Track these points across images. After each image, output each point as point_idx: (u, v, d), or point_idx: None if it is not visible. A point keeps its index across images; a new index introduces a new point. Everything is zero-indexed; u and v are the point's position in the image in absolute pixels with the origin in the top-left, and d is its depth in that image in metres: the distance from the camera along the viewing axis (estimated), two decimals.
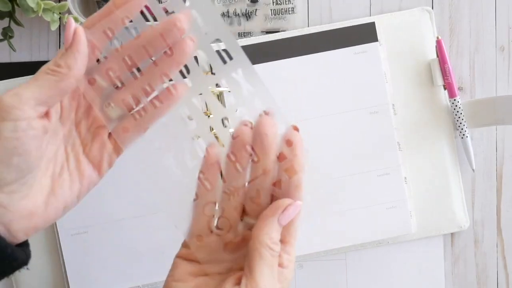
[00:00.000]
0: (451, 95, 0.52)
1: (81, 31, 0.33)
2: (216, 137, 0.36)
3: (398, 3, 0.54)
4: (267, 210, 0.34)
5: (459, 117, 0.52)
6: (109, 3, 0.34)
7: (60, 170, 0.35)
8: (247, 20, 0.53)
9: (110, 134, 0.36)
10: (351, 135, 0.51)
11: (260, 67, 0.51)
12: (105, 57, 0.35)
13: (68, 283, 0.50)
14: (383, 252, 0.53)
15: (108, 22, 0.34)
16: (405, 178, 0.52)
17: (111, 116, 0.36)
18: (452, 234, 0.54)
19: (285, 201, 0.34)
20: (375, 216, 0.51)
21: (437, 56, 0.52)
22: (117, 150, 0.37)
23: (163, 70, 0.35)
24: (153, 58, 0.35)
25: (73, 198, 0.35)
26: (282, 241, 0.34)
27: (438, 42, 0.52)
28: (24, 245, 0.34)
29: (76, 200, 0.35)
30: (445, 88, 0.53)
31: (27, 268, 0.34)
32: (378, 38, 0.52)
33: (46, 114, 0.33)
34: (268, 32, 0.53)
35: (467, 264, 0.54)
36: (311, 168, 0.35)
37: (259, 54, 0.51)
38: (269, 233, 0.33)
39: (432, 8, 0.54)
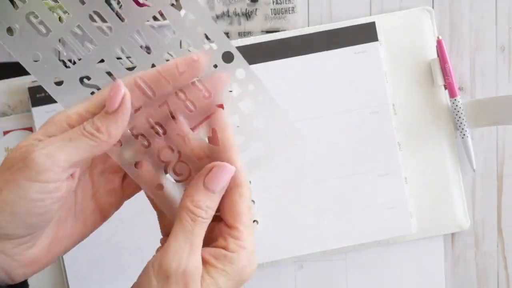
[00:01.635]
0: (452, 95, 0.52)
1: (128, 97, 0.30)
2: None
3: (398, 3, 0.53)
4: (198, 175, 0.32)
5: (459, 117, 0.52)
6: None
7: (65, 214, 0.33)
8: (247, 19, 0.53)
9: (122, 180, 0.35)
10: (351, 135, 0.51)
11: (260, 67, 0.51)
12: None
13: (67, 283, 0.50)
14: (383, 252, 0.53)
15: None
16: (405, 178, 0.52)
17: (126, 158, 0.33)
18: (452, 234, 0.54)
19: (212, 164, 0.32)
20: (375, 216, 0.51)
21: (438, 56, 0.52)
22: (127, 196, 0.35)
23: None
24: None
25: (74, 242, 0.34)
26: (228, 225, 0.32)
27: (439, 42, 0.52)
28: (24, 283, 0.33)
29: (77, 243, 0.34)
30: (445, 88, 0.52)
31: None
32: (378, 38, 0.52)
33: (72, 174, 0.31)
34: (268, 32, 0.53)
35: (468, 264, 0.54)
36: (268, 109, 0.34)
37: (259, 54, 0.51)
38: (192, 195, 0.31)
39: (433, 7, 0.53)
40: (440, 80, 0.52)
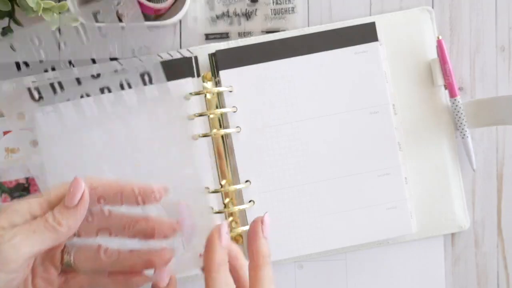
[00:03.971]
0: (452, 95, 0.52)
1: (87, 195, 0.34)
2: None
3: (399, 3, 0.53)
4: (254, 227, 0.36)
5: (459, 117, 0.52)
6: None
7: None
8: (247, 20, 0.53)
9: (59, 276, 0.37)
10: (351, 135, 0.51)
11: (260, 67, 0.51)
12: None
13: None
14: (383, 252, 0.53)
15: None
16: (406, 178, 0.52)
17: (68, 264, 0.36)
18: (452, 234, 0.54)
19: (258, 217, 0.36)
20: (375, 216, 0.51)
21: (438, 56, 0.52)
22: None
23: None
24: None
25: None
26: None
27: (439, 42, 0.52)
28: None
29: None
30: (445, 88, 0.52)
31: None
32: (379, 38, 0.51)
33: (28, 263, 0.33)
34: (268, 32, 0.53)
35: (468, 264, 0.54)
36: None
37: (259, 54, 0.51)
38: (260, 247, 0.35)
39: (433, 7, 0.53)
40: (440, 80, 0.52)
